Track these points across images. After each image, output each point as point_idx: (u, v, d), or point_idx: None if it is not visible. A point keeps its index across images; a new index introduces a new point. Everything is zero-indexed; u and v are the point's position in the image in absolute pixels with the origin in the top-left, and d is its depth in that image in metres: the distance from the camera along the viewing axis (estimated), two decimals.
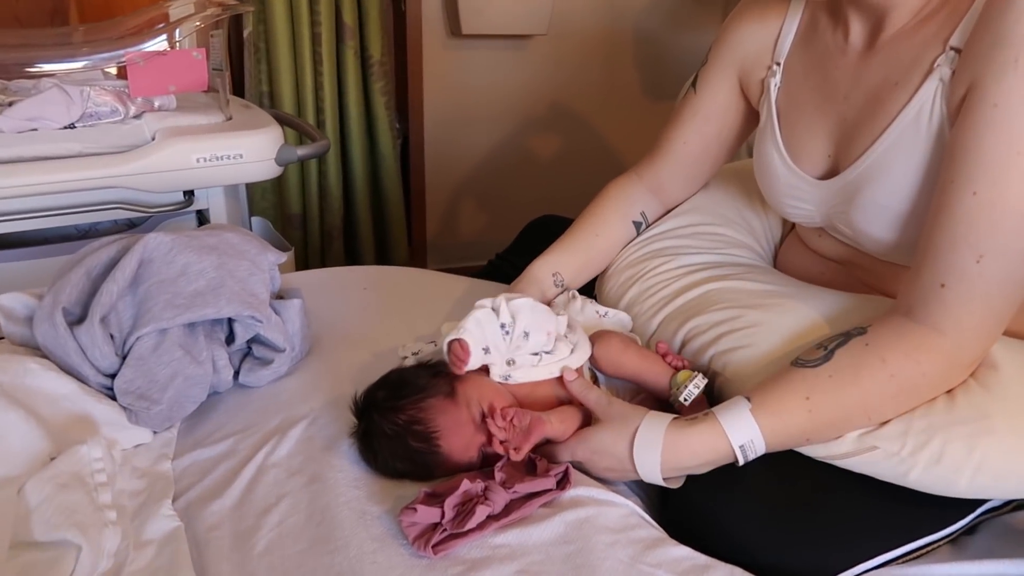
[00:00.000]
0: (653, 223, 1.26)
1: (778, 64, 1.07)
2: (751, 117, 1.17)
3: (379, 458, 0.92)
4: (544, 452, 0.95)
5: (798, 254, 1.19)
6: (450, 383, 0.94)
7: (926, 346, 0.83)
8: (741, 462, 0.87)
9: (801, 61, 1.05)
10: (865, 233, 0.98)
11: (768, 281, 1.08)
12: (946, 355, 0.83)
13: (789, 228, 1.26)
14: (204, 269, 1.04)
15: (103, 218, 1.61)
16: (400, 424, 0.90)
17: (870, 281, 1.06)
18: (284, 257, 1.16)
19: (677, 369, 0.99)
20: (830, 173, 1.02)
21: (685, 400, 0.96)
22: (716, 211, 1.25)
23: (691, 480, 0.90)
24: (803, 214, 1.08)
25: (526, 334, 0.98)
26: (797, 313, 0.99)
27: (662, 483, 0.89)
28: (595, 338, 1.03)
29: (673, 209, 1.27)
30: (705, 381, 0.97)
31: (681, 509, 0.91)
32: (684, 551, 0.83)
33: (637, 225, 1.25)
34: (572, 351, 1.00)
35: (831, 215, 1.03)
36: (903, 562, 0.84)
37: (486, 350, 0.95)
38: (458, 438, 0.91)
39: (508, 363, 0.97)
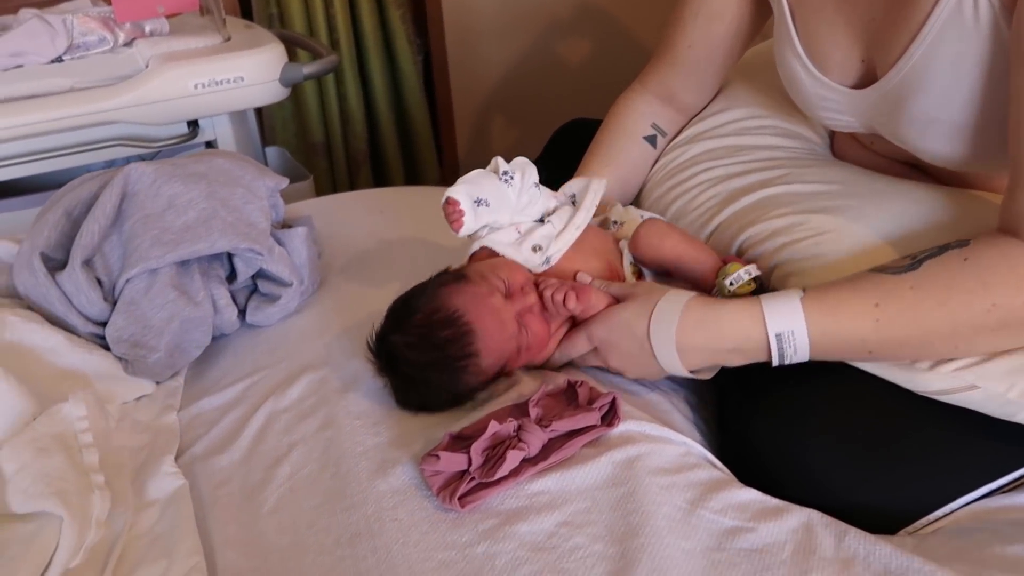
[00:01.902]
0: (684, 127, 1.10)
1: None
2: (763, 7, 0.98)
3: (410, 383, 0.81)
4: (561, 348, 0.85)
5: (855, 151, 1.01)
6: (459, 270, 0.85)
7: None
8: (776, 359, 0.74)
9: None
10: (920, 149, 0.82)
11: (834, 179, 0.92)
12: None
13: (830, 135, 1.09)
14: (193, 200, 0.93)
15: (106, 158, 1.51)
16: (420, 324, 0.79)
17: (951, 181, 0.90)
18: (284, 182, 1.04)
19: (726, 262, 0.87)
20: (867, 81, 0.84)
21: (731, 285, 0.83)
22: (759, 100, 1.08)
23: (758, 413, 0.78)
24: (843, 124, 0.91)
25: (536, 184, 0.88)
26: (873, 217, 0.84)
27: (683, 371, 0.78)
28: (637, 227, 0.91)
29: (702, 111, 1.11)
30: (759, 273, 0.85)
31: (746, 446, 0.79)
32: (752, 494, 0.71)
33: (651, 140, 1.10)
34: (573, 213, 0.89)
35: (875, 128, 0.86)
36: (998, 494, 0.73)
37: (479, 202, 0.84)
38: (487, 310, 0.79)
39: (535, 249, 0.87)
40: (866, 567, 0.65)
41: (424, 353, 0.79)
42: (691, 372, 0.79)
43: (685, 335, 0.76)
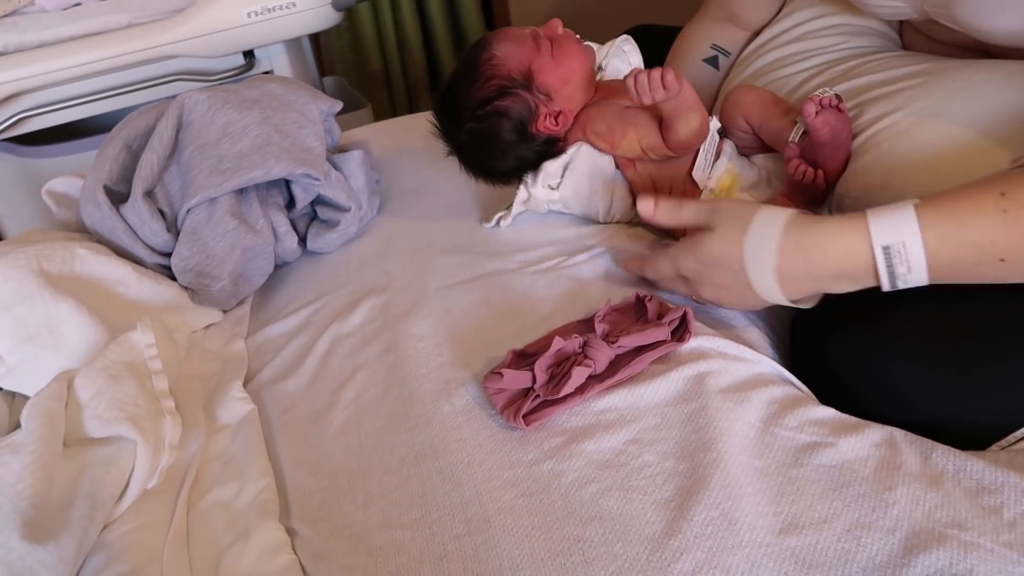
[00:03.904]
0: (749, 41, 1.02)
1: None
2: None
3: (454, 114, 0.91)
4: (639, 265, 0.80)
5: (922, 42, 0.92)
6: None
7: None
8: (885, 280, 0.65)
9: None
10: (978, 28, 0.72)
11: (925, 61, 0.84)
12: None
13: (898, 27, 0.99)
14: (247, 126, 0.92)
15: (167, 93, 1.51)
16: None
17: None
18: (338, 105, 1.02)
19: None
20: None
21: (798, 128, 0.79)
22: None
23: (835, 328, 0.73)
24: (894, 10, 0.82)
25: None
26: (979, 87, 0.76)
27: (783, 300, 0.71)
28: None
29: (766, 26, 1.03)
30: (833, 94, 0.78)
31: (821, 362, 0.75)
32: (830, 411, 0.67)
33: (712, 61, 1.04)
34: None
35: (928, 11, 0.77)
36: None
37: None
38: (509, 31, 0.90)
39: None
40: (956, 483, 0.61)
41: (456, 71, 0.91)
42: (792, 301, 0.72)
43: (785, 262, 0.68)
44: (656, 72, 0.78)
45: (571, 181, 0.91)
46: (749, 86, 0.91)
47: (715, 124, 0.87)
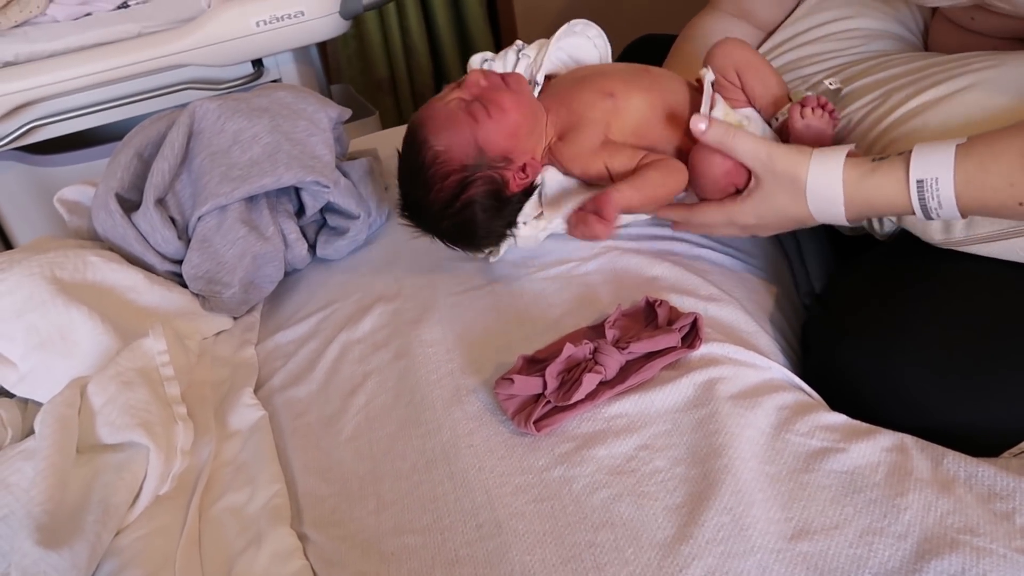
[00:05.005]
0: (762, 41, 1.02)
1: None
2: None
3: (419, 215, 0.86)
4: (686, 215, 0.82)
5: (955, 38, 0.92)
6: None
7: None
8: (918, 212, 0.68)
9: None
10: None
11: (949, 59, 0.84)
12: None
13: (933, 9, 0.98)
14: (257, 134, 0.92)
15: (177, 102, 1.52)
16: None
17: None
18: (347, 113, 1.02)
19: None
20: None
21: (783, 113, 0.80)
22: (842, 0, 0.99)
23: (846, 333, 0.74)
24: None
25: None
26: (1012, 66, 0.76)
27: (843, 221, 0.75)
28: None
29: (780, 25, 1.03)
30: (836, 87, 0.80)
31: (832, 368, 0.75)
32: (841, 417, 0.67)
33: None
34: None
35: None
36: None
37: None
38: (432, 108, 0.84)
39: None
40: (968, 489, 0.61)
41: (405, 178, 0.85)
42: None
43: (853, 212, 0.73)
44: (588, 218, 0.77)
45: (551, 202, 0.87)
46: (742, 43, 0.88)
47: (709, 76, 0.85)
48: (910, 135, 0.77)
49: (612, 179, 0.83)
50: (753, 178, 0.77)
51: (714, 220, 0.81)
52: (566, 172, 0.87)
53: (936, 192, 0.66)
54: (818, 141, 0.79)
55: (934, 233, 0.75)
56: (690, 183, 0.83)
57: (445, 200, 0.82)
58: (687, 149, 0.84)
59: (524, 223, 0.85)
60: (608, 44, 0.96)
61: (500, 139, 0.82)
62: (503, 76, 0.85)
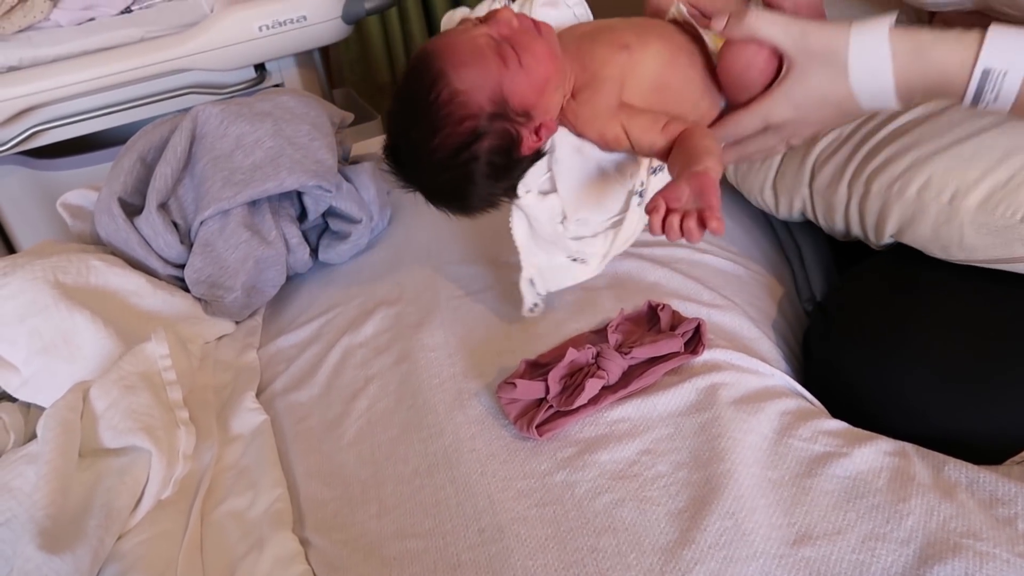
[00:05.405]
0: None
1: None
2: None
3: (413, 165, 0.73)
4: (719, 132, 0.72)
5: None
6: None
7: None
8: (969, 99, 0.62)
9: None
10: None
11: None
12: None
13: (928, 19, 0.98)
14: (260, 139, 0.92)
15: (180, 106, 1.53)
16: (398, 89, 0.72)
17: None
18: (349, 118, 1.03)
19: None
20: None
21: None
22: (832, 13, 0.98)
23: (847, 341, 0.73)
24: None
25: None
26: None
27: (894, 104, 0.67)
28: None
29: None
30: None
31: (833, 375, 0.75)
32: (842, 424, 0.67)
33: None
34: None
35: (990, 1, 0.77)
36: None
37: None
38: (452, 39, 0.70)
39: None
40: (970, 494, 0.61)
41: (404, 115, 0.71)
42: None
43: (902, 83, 0.64)
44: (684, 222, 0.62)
45: (564, 168, 0.77)
46: None
47: (681, 8, 0.76)
48: (911, 135, 0.77)
49: (630, 142, 0.74)
50: (786, 62, 0.68)
51: (747, 126, 0.72)
52: (579, 135, 0.77)
53: (999, 86, 0.61)
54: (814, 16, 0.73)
55: (935, 250, 0.75)
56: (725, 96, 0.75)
57: (451, 148, 0.70)
58: (710, 95, 0.76)
59: (527, 191, 0.76)
60: (589, 10, 0.85)
61: (528, 91, 0.71)
62: (535, 22, 0.73)
